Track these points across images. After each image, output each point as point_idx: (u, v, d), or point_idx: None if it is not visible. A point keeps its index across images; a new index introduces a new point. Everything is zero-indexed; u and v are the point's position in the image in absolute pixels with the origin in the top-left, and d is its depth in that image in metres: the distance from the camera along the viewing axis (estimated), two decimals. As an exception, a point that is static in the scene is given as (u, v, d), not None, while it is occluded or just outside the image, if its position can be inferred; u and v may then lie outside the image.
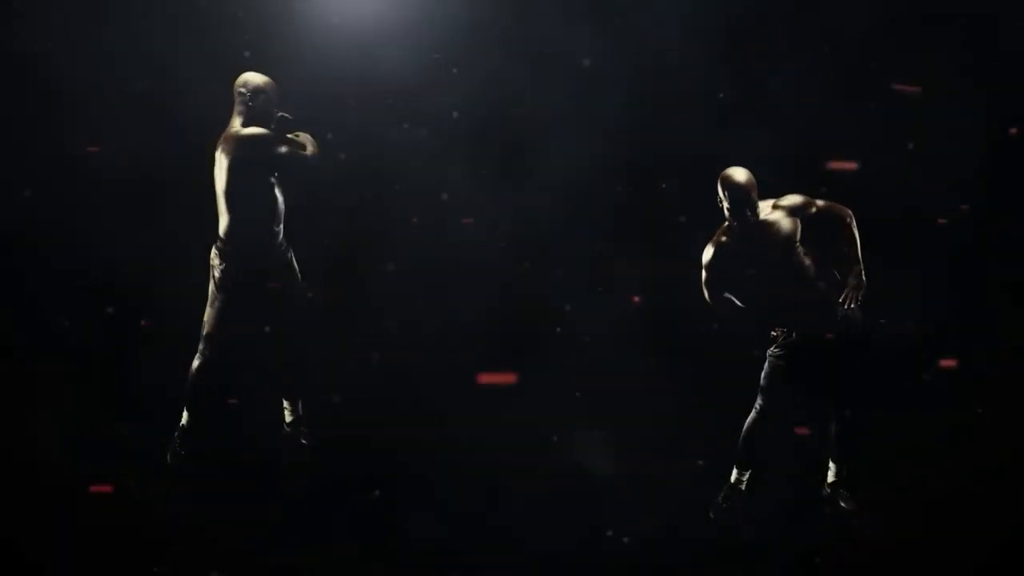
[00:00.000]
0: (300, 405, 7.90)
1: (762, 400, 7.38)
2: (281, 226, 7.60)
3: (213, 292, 7.61)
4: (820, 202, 7.19)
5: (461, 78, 8.80)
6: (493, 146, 8.86)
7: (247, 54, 8.34)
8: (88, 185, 8.63)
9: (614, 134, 8.74)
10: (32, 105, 8.64)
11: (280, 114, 7.57)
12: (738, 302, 7.20)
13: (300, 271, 7.71)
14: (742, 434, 7.41)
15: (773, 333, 7.32)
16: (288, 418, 7.91)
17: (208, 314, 7.63)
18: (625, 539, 7.26)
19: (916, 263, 8.53)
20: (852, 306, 7.14)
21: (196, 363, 7.67)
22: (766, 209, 7.15)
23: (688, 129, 8.62)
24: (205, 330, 7.64)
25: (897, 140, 8.67)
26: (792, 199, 7.18)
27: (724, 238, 7.15)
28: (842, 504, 7.43)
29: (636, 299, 8.66)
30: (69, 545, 7.07)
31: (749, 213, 7.06)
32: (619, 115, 8.75)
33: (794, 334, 7.24)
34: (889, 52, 8.66)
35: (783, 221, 7.13)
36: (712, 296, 7.21)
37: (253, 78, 7.54)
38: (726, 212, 7.09)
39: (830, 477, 7.47)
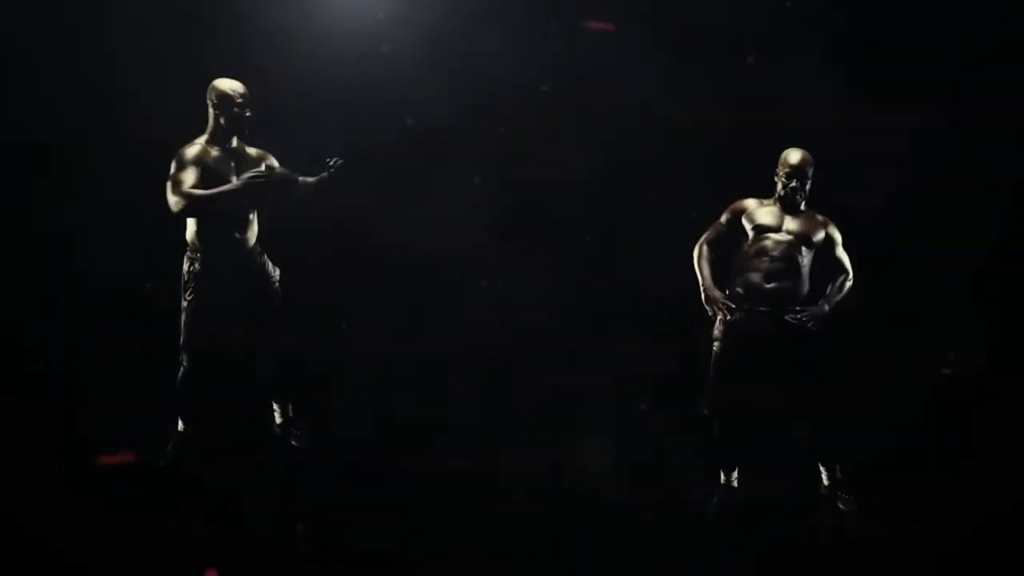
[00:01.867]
0: (291, 407, 7.88)
1: (705, 405, 7.47)
2: (249, 232, 7.55)
3: (185, 299, 7.58)
4: (842, 250, 7.48)
5: (459, 78, 8.81)
6: (492, 146, 8.87)
7: (262, 55, 8.30)
8: (87, 184, 8.62)
9: (615, 133, 8.76)
10: (32, 104, 8.64)
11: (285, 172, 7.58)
12: (710, 269, 7.45)
13: (278, 272, 7.68)
14: (706, 446, 7.47)
15: (710, 310, 7.41)
16: (279, 420, 7.89)
17: (183, 322, 7.60)
18: (621, 539, 7.25)
19: (913, 263, 8.55)
20: (802, 320, 7.35)
21: (180, 372, 7.64)
22: (809, 207, 7.49)
23: (689, 129, 8.64)
24: (182, 338, 7.62)
25: (896, 141, 8.69)
26: (832, 223, 7.49)
27: (755, 201, 7.49)
28: (840, 505, 7.44)
29: (635, 299, 8.68)
30: (67, 545, 7.05)
31: (799, 186, 7.41)
32: (620, 114, 8.76)
33: (730, 323, 7.32)
34: (891, 56, 8.69)
35: (815, 223, 7.46)
36: (708, 240, 7.50)
37: (220, 84, 7.49)
38: (779, 184, 7.44)
39: (824, 480, 7.48)
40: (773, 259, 7.37)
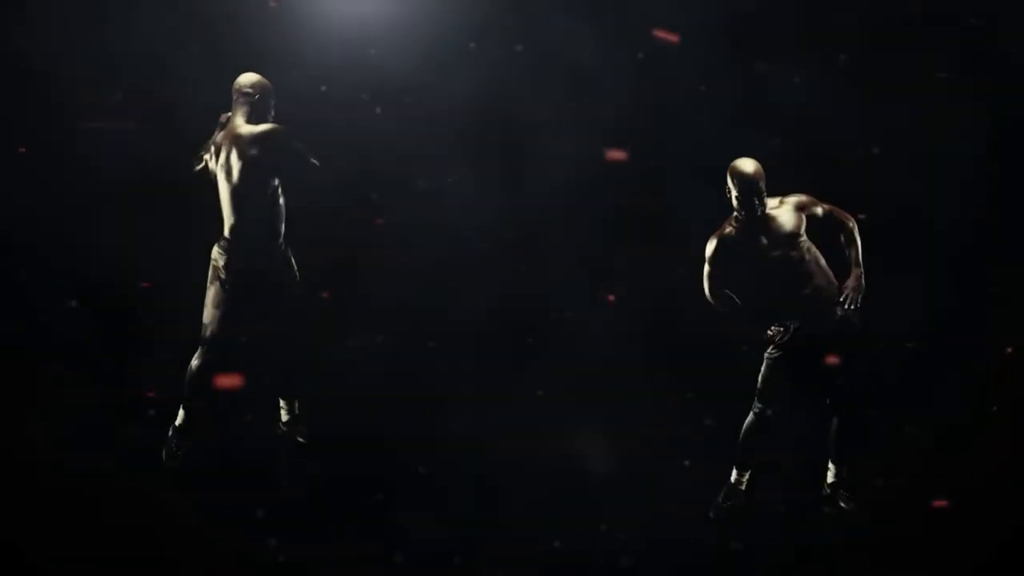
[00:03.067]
0: (297, 404, 7.90)
1: (760, 403, 7.40)
2: (283, 225, 7.62)
3: (216, 291, 7.60)
4: (825, 205, 7.33)
5: (461, 78, 8.80)
6: (493, 146, 8.85)
7: (262, 54, 8.34)
8: (88, 185, 8.63)
9: (615, 133, 8.75)
10: (32, 105, 8.65)
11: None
12: (736, 299, 7.29)
13: (298, 270, 7.72)
14: (740, 436, 7.43)
15: (769, 332, 7.34)
16: (284, 417, 7.90)
17: (210, 314, 7.62)
18: (624, 539, 7.26)
19: (916, 263, 8.53)
20: (850, 307, 7.21)
21: (196, 362, 7.65)
22: (772, 204, 7.27)
23: (689, 129, 8.62)
24: (208, 330, 7.62)
25: (898, 140, 8.67)
26: (798, 197, 7.32)
27: (728, 229, 7.27)
28: (842, 504, 7.45)
29: (636, 298, 8.66)
30: (67, 545, 7.07)
31: (757, 202, 7.18)
32: (620, 114, 8.75)
33: (791, 332, 7.27)
34: (890, 51, 8.67)
35: (788, 215, 7.26)
36: (712, 289, 7.30)
37: (259, 79, 7.56)
38: (734, 202, 7.22)
39: (830, 477, 7.49)
40: (787, 272, 7.23)
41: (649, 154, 8.77)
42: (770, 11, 8.70)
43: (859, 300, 7.25)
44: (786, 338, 7.31)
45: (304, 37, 8.72)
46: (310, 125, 7.81)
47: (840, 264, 7.32)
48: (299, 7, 8.73)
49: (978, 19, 8.52)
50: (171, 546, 7.12)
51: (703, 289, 7.33)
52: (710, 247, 7.28)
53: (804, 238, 7.25)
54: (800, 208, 7.28)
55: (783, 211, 7.27)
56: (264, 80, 7.58)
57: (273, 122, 7.54)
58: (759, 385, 7.39)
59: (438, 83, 8.77)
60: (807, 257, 7.25)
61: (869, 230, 7.37)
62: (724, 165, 7.26)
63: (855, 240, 7.28)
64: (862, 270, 7.25)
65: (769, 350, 7.36)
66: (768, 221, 7.24)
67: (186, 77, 8.50)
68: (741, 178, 7.19)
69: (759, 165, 7.23)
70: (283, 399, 7.90)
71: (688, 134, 8.63)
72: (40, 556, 7.02)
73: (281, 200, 7.57)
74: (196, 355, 7.66)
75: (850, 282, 7.26)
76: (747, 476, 7.48)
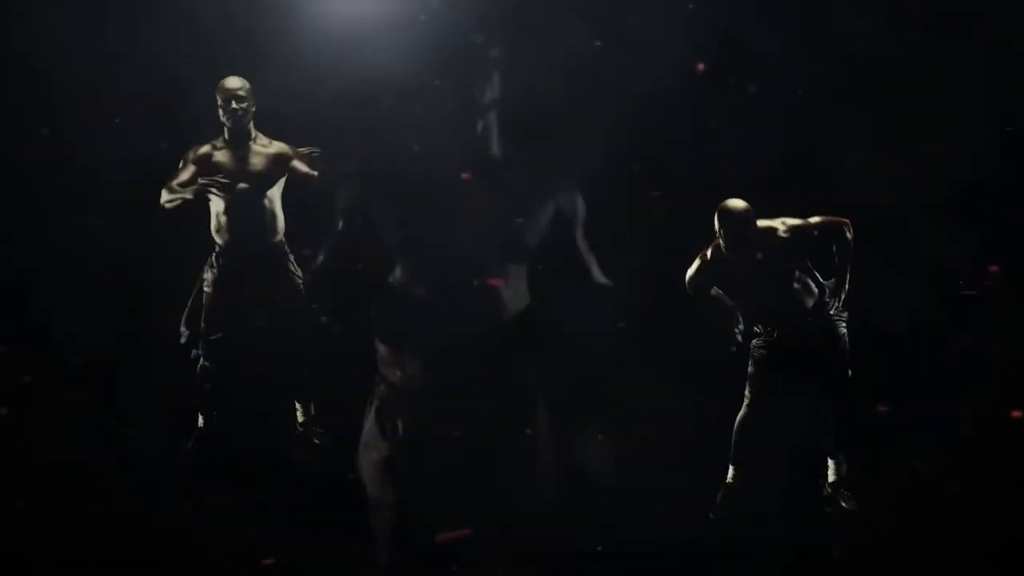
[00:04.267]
0: (312, 406, 7.91)
1: (750, 393, 7.40)
2: (270, 230, 7.59)
3: (208, 293, 7.64)
4: (815, 220, 7.22)
5: (462, 78, 8.80)
6: (494, 146, 8.86)
7: (262, 55, 8.36)
8: (88, 185, 8.63)
9: (615, 134, 8.74)
10: (32, 105, 8.65)
11: (311, 151, 7.58)
12: (726, 298, 7.30)
13: (300, 273, 7.73)
14: (734, 431, 7.43)
15: (756, 329, 7.36)
16: (300, 419, 7.92)
17: (203, 315, 7.65)
18: (624, 539, 7.26)
19: (916, 263, 8.53)
20: (831, 311, 7.24)
21: (200, 365, 7.69)
22: (764, 236, 7.13)
23: (688, 129, 8.63)
24: (202, 332, 7.66)
25: (896, 139, 8.67)
26: (790, 230, 7.17)
27: (716, 258, 7.18)
28: (843, 504, 7.45)
29: (636, 298, 8.67)
30: (68, 545, 7.07)
31: (745, 244, 7.06)
32: (620, 116, 8.75)
33: (775, 334, 7.28)
34: (889, 51, 8.67)
35: (782, 259, 7.16)
36: (699, 299, 7.30)
37: (220, 82, 7.55)
38: (722, 244, 7.11)
39: (830, 476, 7.48)
40: (783, 296, 7.21)
41: (651, 154, 8.79)
42: (771, 11, 8.71)
43: (841, 299, 7.25)
44: (771, 338, 7.32)
45: (304, 37, 8.73)
46: (310, 125, 7.81)
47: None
48: (299, 7, 8.74)
49: (980, 20, 8.53)
50: (172, 546, 7.12)
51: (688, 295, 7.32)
52: (695, 281, 7.23)
53: (797, 259, 7.17)
54: (794, 246, 7.15)
55: (777, 251, 7.14)
56: (223, 84, 7.55)
57: (242, 124, 7.52)
58: (749, 373, 7.39)
59: (438, 83, 8.78)
60: (796, 287, 7.21)
61: (870, 230, 7.36)
62: (724, 164, 7.25)
63: (847, 247, 7.21)
64: (846, 275, 7.22)
65: (755, 342, 7.38)
66: (762, 263, 7.13)
67: (186, 77, 8.50)
68: (730, 222, 7.04)
69: (749, 207, 7.04)
70: (298, 401, 7.92)
71: (689, 134, 8.64)
72: (40, 556, 7.01)
73: (274, 203, 7.56)
74: (200, 358, 7.68)
75: (832, 286, 7.23)
76: (743, 472, 7.49)
